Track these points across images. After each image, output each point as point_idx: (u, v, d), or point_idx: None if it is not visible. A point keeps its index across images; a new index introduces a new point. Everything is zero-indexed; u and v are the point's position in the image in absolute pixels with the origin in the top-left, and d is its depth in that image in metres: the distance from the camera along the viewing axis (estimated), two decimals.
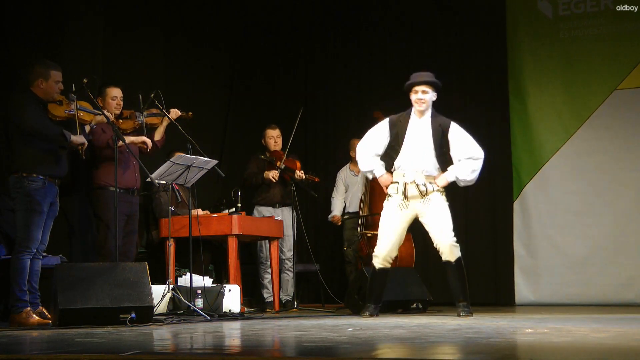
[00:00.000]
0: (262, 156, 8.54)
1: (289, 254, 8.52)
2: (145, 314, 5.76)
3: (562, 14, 9.40)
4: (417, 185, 6.64)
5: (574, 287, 8.94)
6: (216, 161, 7.16)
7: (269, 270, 8.30)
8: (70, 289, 5.64)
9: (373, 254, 6.81)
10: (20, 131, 6.08)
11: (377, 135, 6.88)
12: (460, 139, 6.73)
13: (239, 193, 7.85)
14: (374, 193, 8.94)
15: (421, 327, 5.15)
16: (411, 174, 6.67)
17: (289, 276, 8.56)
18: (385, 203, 6.79)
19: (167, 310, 6.75)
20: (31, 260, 6.08)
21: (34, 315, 5.98)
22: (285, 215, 8.50)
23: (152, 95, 7.02)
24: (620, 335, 4.32)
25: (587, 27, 9.26)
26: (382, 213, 6.78)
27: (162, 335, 4.83)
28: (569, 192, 9.09)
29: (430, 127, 6.71)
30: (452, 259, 6.63)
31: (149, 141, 7.10)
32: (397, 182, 6.72)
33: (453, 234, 6.67)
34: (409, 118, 6.77)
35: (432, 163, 6.71)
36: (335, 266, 9.89)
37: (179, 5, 9.37)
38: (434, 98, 6.73)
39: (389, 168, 6.82)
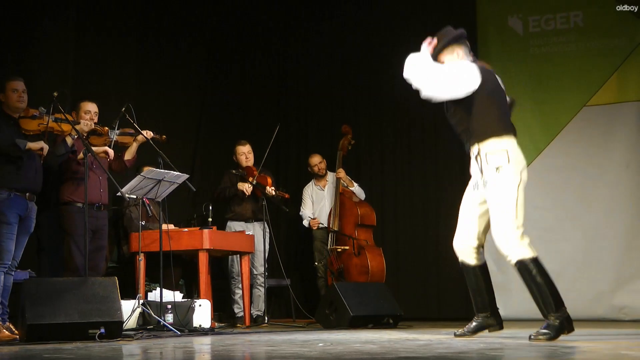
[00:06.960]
0: (234, 171, 8.53)
1: (260, 269, 8.49)
2: (115, 329, 5.71)
3: (532, 30, 9.49)
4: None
5: None
6: (187, 175, 7.12)
7: (240, 285, 8.27)
8: (39, 304, 5.58)
9: (524, 255, 5.36)
10: None
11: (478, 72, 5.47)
12: None
13: (210, 208, 7.83)
14: (344, 207, 8.97)
15: (392, 342, 5.15)
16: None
17: (260, 291, 8.54)
18: (504, 178, 5.27)
19: (136, 325, 6.71)
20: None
21: (4, 330, 5.92)
22: (257, 230, 8.49)
23: (123, 109, 6.96)
24: (589, 351, 4.34)
25: (557, 44, 9.35)
26: (511, 191, 5.37)
27: (131, 350, 4.79)
28: (538, 208, 9.09)
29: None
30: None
31: (110, 151, 7.00)
32: (508, 148, 5.22)
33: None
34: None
35: None
36: (306, 281, 9.88)
37: (152, 16, 9.37)
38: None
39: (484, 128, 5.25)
